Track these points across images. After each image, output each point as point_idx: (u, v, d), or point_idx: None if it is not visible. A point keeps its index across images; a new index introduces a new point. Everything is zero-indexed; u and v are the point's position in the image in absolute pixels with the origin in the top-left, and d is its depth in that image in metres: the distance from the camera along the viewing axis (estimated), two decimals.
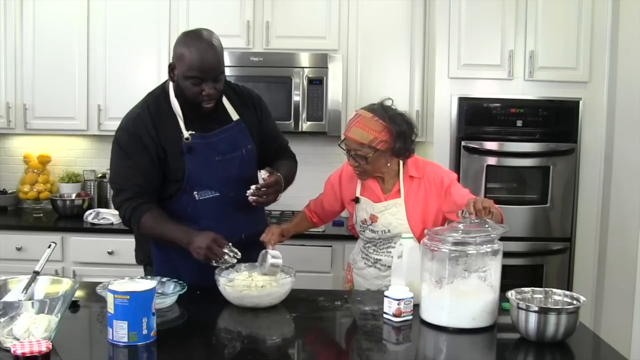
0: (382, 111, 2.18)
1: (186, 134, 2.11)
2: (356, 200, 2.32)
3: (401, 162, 2.28)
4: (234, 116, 2.22)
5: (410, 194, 2.26)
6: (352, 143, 2.18)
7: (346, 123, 2.20)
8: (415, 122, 2.28)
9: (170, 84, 2.17)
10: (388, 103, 2.23)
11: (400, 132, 2.16)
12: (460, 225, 1.89)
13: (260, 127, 2.30)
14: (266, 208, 2.40)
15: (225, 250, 2.00)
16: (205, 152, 2.14)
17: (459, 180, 2.35)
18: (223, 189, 2.17)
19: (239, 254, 2.03)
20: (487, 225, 1.88)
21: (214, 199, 2.17)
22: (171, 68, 2.10)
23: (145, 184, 2.12)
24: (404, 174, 2.27)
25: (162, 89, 2.21)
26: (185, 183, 2.13)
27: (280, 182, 2.14)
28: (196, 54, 2.02)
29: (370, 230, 2.29)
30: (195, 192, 2.15)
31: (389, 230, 2.25)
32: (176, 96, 2.14)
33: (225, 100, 2.21)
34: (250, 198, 2.10)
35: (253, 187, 2.10)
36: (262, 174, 2.13)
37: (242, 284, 1.95)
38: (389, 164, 2.23)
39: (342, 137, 2.26)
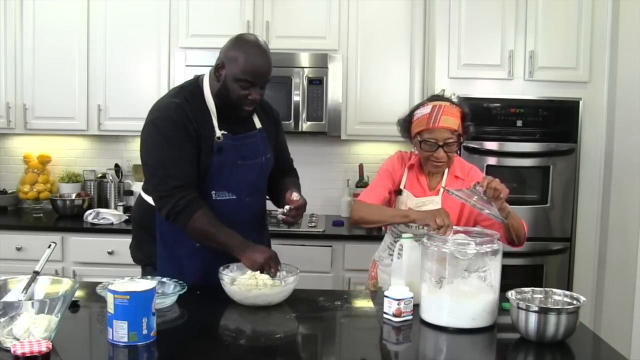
0: (448, 98, 2.28)
1: (218, 132, 2.13)
2: (399, 192, 2.32)
3: None
4: (258, 124, 2.26)
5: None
6: (444, 133, 2.20)
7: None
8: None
9: (205, 81, 2.17)
10: (441, 92, 2.34)
11: (469, 115, 2.27)
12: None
13: (276, 140, 2.34)
14: (268, 209, 2.42)
15: (280, 269, 2.05)
16: (232, 154, 2.15)
17: None
18: (240, 193, 2.19)
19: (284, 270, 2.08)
20: (490, 205, 1.94)
21: (229, 201, 2.18)
22: (218, 67, 2.10)
23: (191, 174, 2.09)
24: (449, 173, 2.30)
25: (196, 85, 2.20)
26: (207, 182, 2.14)
27: (306, 204, 2.17)
28: (251, 59, 2.06)
29: (405, 224, 2.29)
30: (213, 192, 2.15)
31: (423, 227, 2.24)
32: (215, 95, 2.14)
33: None
34: (280, 217, 2.13)
35: (287, 207, 2.11)
36: (295, 196, 2.12)
37: (248, 282, 1.95)
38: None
39: (415, 133, 2.24)
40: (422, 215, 2.08)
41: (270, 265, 2.02)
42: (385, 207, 2.28)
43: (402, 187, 2.32)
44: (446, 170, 2.30)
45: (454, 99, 2.31)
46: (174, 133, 2.07)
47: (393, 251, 2.33)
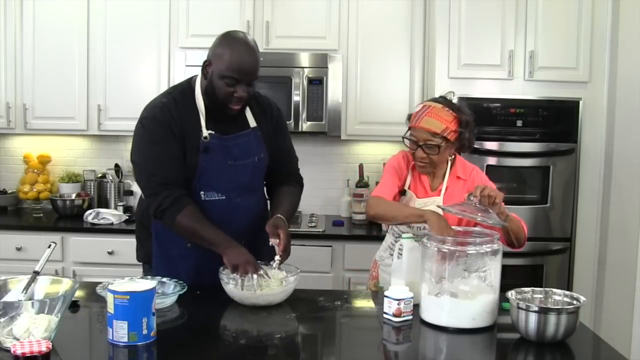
0: (449, 102, 2.23)
1: (205, 132, 2.12)
2: (403, 192, 2.32)
3: (449, 162, 2.30)
4: (252, 123, 2.23)
5: (453, 194, 2.27)
6: (424, 133, 2.19)
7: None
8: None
9: (197, 81, 2.17)
10: (450, 96, 2.29)
11: (468, 122, 2.21)
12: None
13: (273, 139, 2.29)
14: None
15: (255, 276, 1.96)
16: (220, 154, 2.14)
17: None
18: (230, 194, 2.18)
19: (271, 278, 2.01)
20: (488, 214, 1.91)
21: (219, 201, 2.17)
22: (205, 65, 2.11)
23: (177, 173, 2.10)
24: (450, 174, 2.30)
25: (188, 84, 2.21)
26: (195, 182, 2.14)
27: (288, 235, 2.08)
28: (237, 55, 2.04)
29: (407, 225, 2.29)
30: (202, 192, 2.15)
31: (424, 228, 2.25)
32: (204, 94, 2.14)
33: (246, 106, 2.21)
34: (275, 266, 2.07)
35: (277, 260, 2.05)
36: (272, 242, 2.07)
37: (247, 283, 1.95)
38: (450, 157, 2.27)
39: (407, 129, 2.26)
40: (435, 222, 2.01)
41: (246, 270, 1.97)
42: (402, 205, 2.26)
43: (406, 187, 2.32)
44: (448, 171, 2.30)
45: (457, 103, 2.28)
46: (160, 132, 2.08)
47: (394, 250, 2.33)
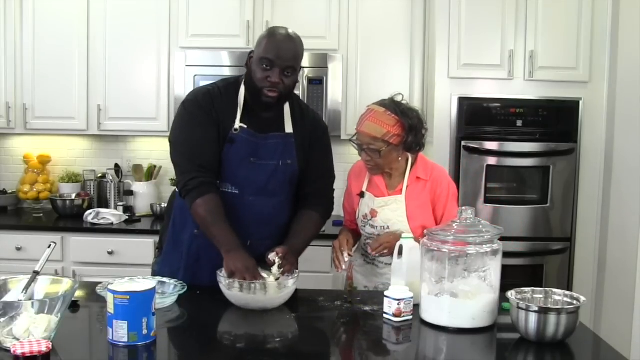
0: (394, 106, 2.21)
1: (237, 125, 2.14)
2: (361, 194, 2.33)
3: (409, 161, 2.29)
4: (288, 129, 2.22)
5: (414, 193, 2.27)
6: (365, 137, 2.20)
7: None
8: (424, 117, 2.29)
9: (245, 77, 2.21)
10: (399, 98, 2.26)
11: (412, 126, 2.19)
12: (455, 226, 1.89)
13: (308, 152, 2.28)
14: None
15: (252, 284, 1.96)
16: (244, 149, 2.15)
17: (458, 185, 2.35)
18: (244, 190, 2.17)
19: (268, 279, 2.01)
20: (481, 226, 1.89)
21: (232, 195, 2.17)
22: (250, 56, 2.15)
23: (212, 156, 2.13)
24: (410, 174, 2.29)
25: (235, 79, 2.25)
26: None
27: (286, 249, 2.10)
28: (275, 40, 2.09)
29: (370, 225, 2.30)
30: (217, 181, 2.16)
31: (387, 227, 2.26)
32: (246, 88, 2.17)
33: (287, 111, 2.22)
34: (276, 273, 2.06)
35: (277, 263, 2.05)
36: (270, 256, 2.08)
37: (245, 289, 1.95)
38: (400, 159, 2.26)
39: (354, 132, 2.27)
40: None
41: (243, 277, 1.96)
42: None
43: (364, 189, 2.35)
44: (408, 171, 2.29)
45: (405, 105, 2.21)
46: (201, 115, 2.14)
47: (365, 252, 2.36)
